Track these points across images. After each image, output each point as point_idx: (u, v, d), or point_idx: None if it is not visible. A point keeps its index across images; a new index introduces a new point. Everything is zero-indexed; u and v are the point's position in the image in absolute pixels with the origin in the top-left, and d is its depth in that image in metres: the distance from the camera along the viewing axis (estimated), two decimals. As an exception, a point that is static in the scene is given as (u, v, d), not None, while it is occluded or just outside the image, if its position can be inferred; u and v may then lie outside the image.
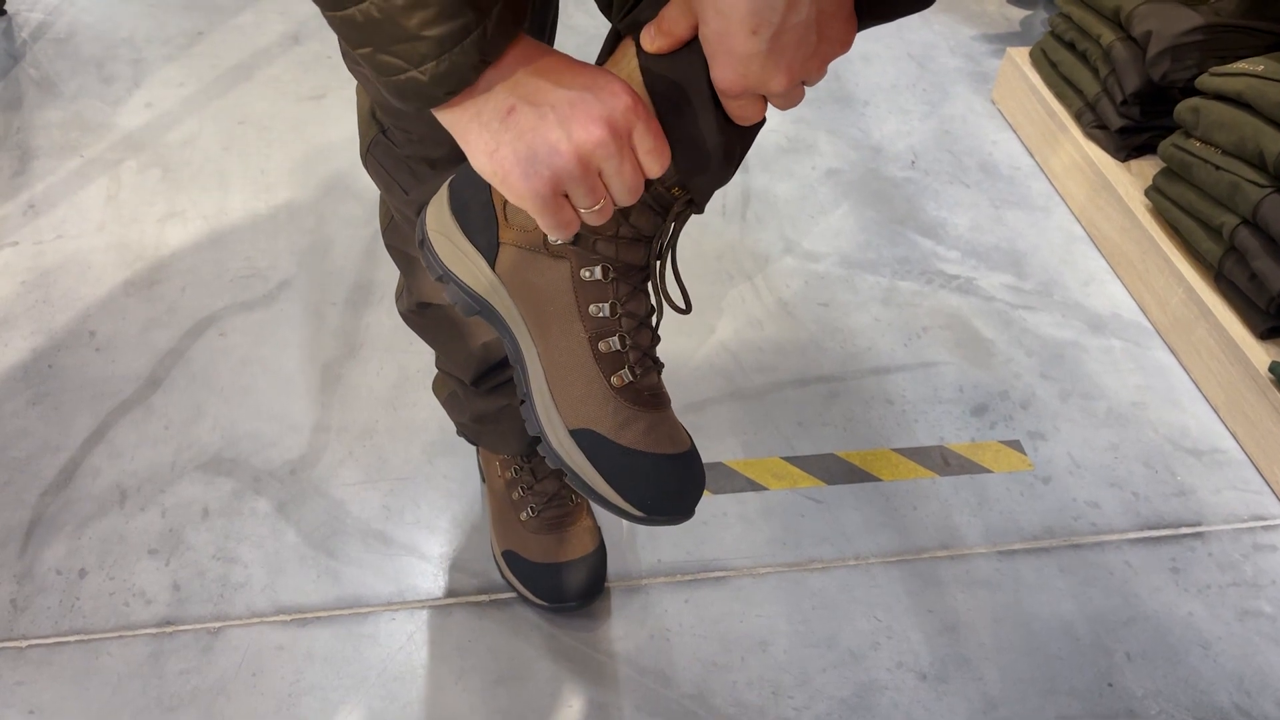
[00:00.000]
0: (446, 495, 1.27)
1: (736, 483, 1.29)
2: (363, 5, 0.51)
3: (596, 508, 1.19)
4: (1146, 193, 1.55)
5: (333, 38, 2.03)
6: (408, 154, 0.83)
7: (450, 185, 0.71)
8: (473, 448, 1.30)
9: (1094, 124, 1.68)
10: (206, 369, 1.40)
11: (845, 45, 0.59)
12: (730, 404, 1.39)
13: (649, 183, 0.63)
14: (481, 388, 1.06)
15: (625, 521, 1.23)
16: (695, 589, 1.18)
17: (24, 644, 1.10)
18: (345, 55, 0.80)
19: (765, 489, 1.29)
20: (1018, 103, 1.89)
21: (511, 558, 1.15)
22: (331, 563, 1.19)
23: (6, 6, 2.08)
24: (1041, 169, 1.81)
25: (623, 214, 0.64)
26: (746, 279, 1.57)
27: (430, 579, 1.18)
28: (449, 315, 0.99)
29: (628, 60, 0.62)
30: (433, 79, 0.53)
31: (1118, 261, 1.62)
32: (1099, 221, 1.66)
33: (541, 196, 0.57)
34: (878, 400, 1.41)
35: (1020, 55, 1.89)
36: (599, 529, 1.17)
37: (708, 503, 1.27)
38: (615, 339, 0.68)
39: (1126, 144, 1.64)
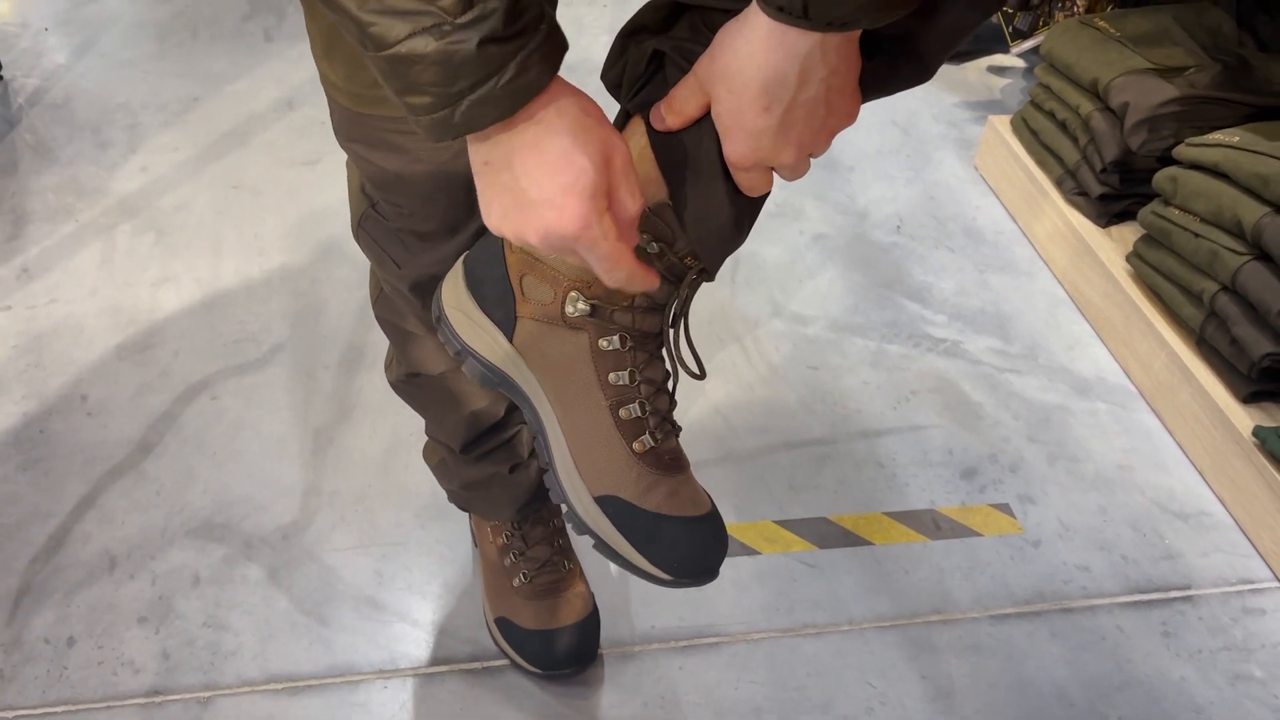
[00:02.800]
0: (439, 560, 1.26)
1: (730, 547, 1.29)
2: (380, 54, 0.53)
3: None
4: (1128, 259, 1.58)
5: (326, 104, 2.06)
6: (398, 227, 0.85)
7: (464, 262, 0.73)
8: (465, 512, 1.30)
9: (1075, 191, 1.72)
10: (198, 433, 1.40)
11: (851, 117, 0.61)
12: (722, 467, 1.40)
13: (662, 252, 0.66)
14: (470, 455, 1.07)
15: (618, 587, 1.23)
16: (689, 655, 1.18)
17: (10, 715, 1.09)
18: (336, 131, 0.82)
19: (758, 553, 1.29)
20: (1000, 169, 1.93)
21: (504, 624, 1.15)
22: (323, 630, 1.18)
23: (3, 72, 2.11)
24: (1024, 234, 1.85)
25: None
26: (736, 342, 1.59)
27: (422, 646, 1.17)
28: (438, 384, 1.00)
29: (637, 138, 0.65)
30: (420, 128, 0.55)
31: (1101, 325, 1.64)
32: (1082, 286, 1.69)
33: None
34: (868, 463, 1.42)
35: (1002, 123, 1.93)
36: (592, 595, 1.17)
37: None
38: (635, 405, 0.69)
39: (1107, 211, 1.67)
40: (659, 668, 1.17)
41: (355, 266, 1.68)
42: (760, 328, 1.62)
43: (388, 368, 1.06)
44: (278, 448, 1.39)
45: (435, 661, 1.16)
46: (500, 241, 0.71)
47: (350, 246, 1.71)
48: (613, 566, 1.26)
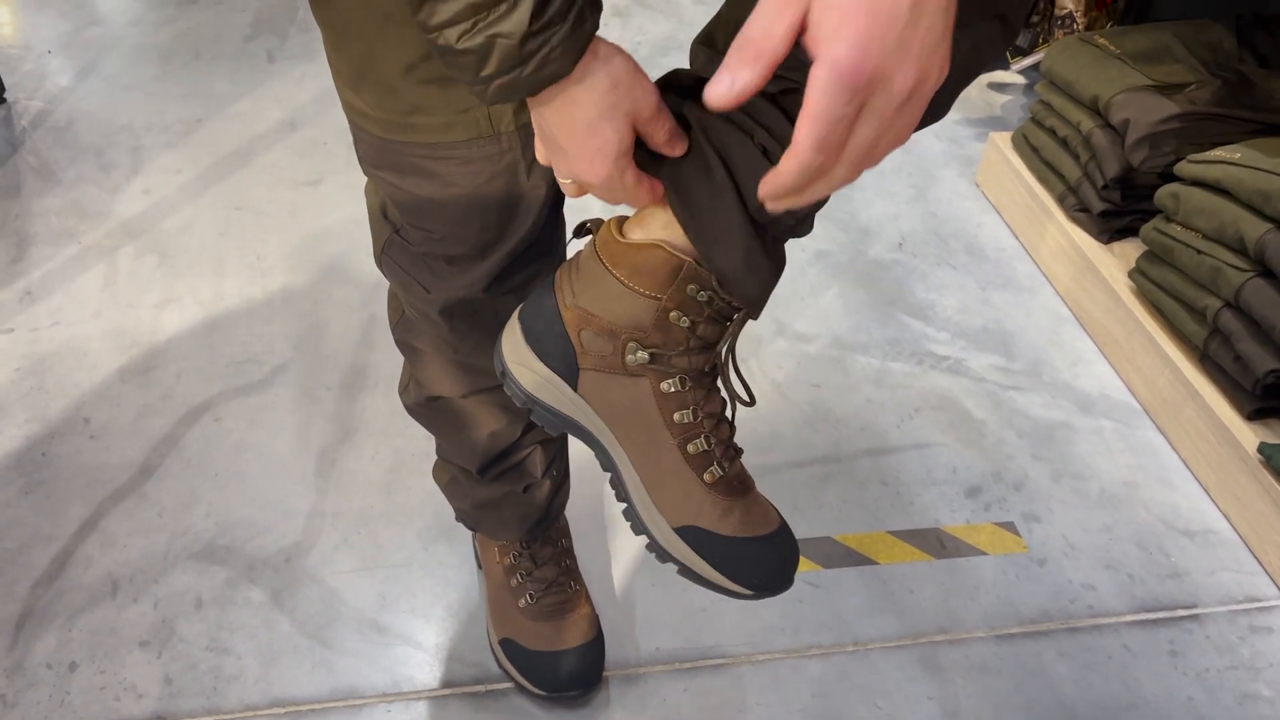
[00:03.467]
0: (442, 582, 1.26)
1: (733, 567, 1.29)
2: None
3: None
4: (1130, 275, 1.58)
5: (329, 124, 2.07)
6: (425, 252, 0.85)
7: (520, 318, 0.75)
8: (467, 533, 1.30)
9: (1076, 207, 1.72)
10: (201, 455, 1.40)
11: (943, 70, 0.54)
12: (725, 487, 1.39)
13: (711, 298, 0.68)
14: (485, 476, 1.07)
15: (623, 609, 1.23)
16: (694, 677, 1.17)
17: (12, 741, 1.09)
18: (362, 159, 0.82)
19: (762, 573, 1.29)
20: (1001, 186, 1.93)
21: (509, 645, 1.14)
22: (326, 653, 1.18)
23: (6, 95, 2.12)
24: (1026, 251, 1.85)
25: (691, 328, 0.70)
26: (739, 360, 1.59)
27: (426, 669, 1.17)
28: (456, 408, 1.00)
29: (664, 214, 0.66)
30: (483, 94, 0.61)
31: (1104, 342, 1.64)
32: (1084, 302, 1.69)
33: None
34: (872, 482, 1.41)
35: (1003, 139, 1.93)
36: (597, 616, 1.16)
37: (705, 589, 1.26)
38: (701, 440, 0.72)
39: (1109, 227, 1.67)
40: (664, 690, 1.16)
41: (357, 287, 1.68)
42: (763, 346, 1.62)
43: (403, 391, 1.06)
44: (280, 469, 1.39)
45: (439, 684, 1.15)
46: (554, 299, 0.73)
47: (352, 267, 1.71)
48: (617, 588, 1.25)
